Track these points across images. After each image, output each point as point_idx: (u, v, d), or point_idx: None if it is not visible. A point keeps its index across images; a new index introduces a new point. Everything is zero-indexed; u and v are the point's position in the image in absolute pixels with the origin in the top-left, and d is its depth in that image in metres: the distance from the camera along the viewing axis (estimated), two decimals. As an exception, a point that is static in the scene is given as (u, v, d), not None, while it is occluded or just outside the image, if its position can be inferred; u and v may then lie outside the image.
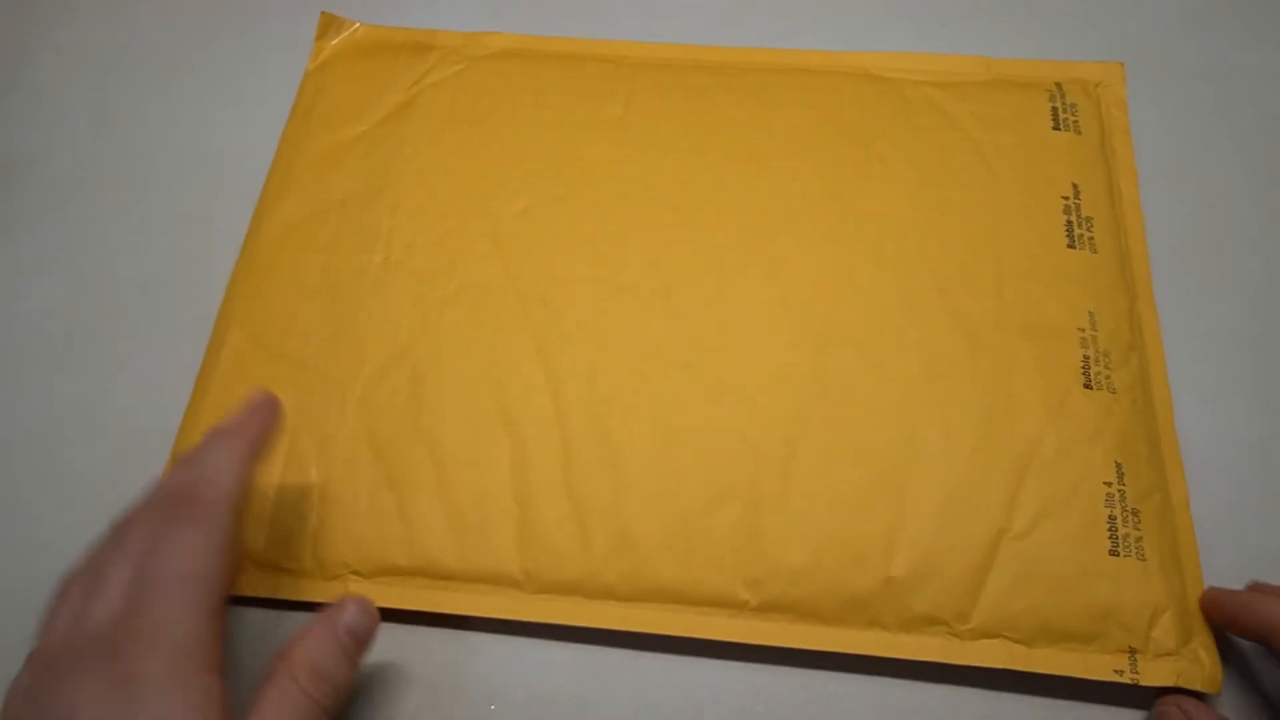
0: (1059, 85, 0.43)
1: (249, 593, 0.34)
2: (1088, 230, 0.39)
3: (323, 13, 0.46)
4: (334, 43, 0.46)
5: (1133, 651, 0.32)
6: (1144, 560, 0.33)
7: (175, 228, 0.43)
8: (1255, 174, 0.43)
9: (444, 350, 0.37)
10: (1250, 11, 0.47)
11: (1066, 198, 0.40)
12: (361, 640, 0.30)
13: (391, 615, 0.34)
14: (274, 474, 0.36)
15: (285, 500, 0.35)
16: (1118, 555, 0.33)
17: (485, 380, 0.37)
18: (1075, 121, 0.42)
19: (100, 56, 0.48)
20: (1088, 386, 0.36)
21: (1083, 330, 0.37)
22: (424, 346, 0.37)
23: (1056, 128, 0.42)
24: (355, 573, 0.34)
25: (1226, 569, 0.34)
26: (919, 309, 0.38)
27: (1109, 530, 0.34)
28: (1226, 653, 0.33)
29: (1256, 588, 0.33)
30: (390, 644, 0.34)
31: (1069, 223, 0.39)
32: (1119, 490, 0.34)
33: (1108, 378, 0.36)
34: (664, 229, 0.40)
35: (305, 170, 0.42)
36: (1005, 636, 0.33)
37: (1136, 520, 0.34)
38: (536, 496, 0.35)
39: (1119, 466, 0.35)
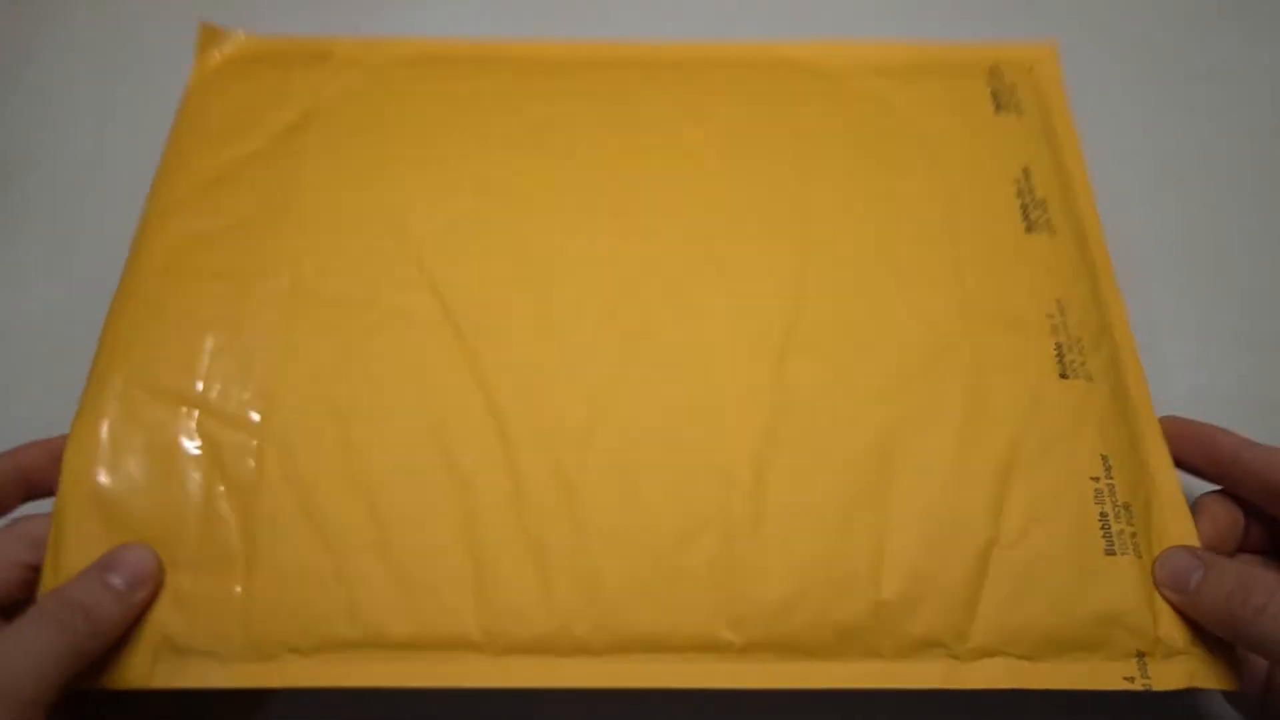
0: (995, 67, 0.42)
1: (174, 684, 0.30)
2: (1043, 213, 0.38)
3: (201, 24, 0.41)
4: (216, 57, 0.41)
5: (1141, 655, 0.31)
6: (1141, 556, 0.32)
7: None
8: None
9: (372, 387, 0.34)
10: None
11: (1018, 181, 0.38)
12: (132, 581, 0.30)
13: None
14: (189, 542, 0.31)
15: (204, 574, 0.31)
16: (1114, 554, 0.32)
17: (422, 419, 0.33)
18: (1017, 103, 0.40)
19: (100, 56, 0.47)
20: (1063, 376, 0.34)
21: (1052, 317, 0.35)
22: (348, 384, 0.34)
23: (999, 110, 0.40)
24: (294, 650, 0.30)
25: (1223, 558, 0.33)
26: (880, 308, 0.35)
27: (1102, 528, 0.32)
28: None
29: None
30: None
31: (1024, 206, 0.38)
32: (1108, 485, 0.33)
33: (1083, 364, 0.35)
34: (602, 239, 0.36)
35: (191, 191, 0.37)
36: (1007, 654, 0.31)
37: (1129, 515, 0.32)
38: (491, 547, 0.31)
39: (1105, 460, 0.33)
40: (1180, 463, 0.34)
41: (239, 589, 0.31)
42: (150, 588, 0.30)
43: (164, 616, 0.30)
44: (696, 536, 0.32)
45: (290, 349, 0.34)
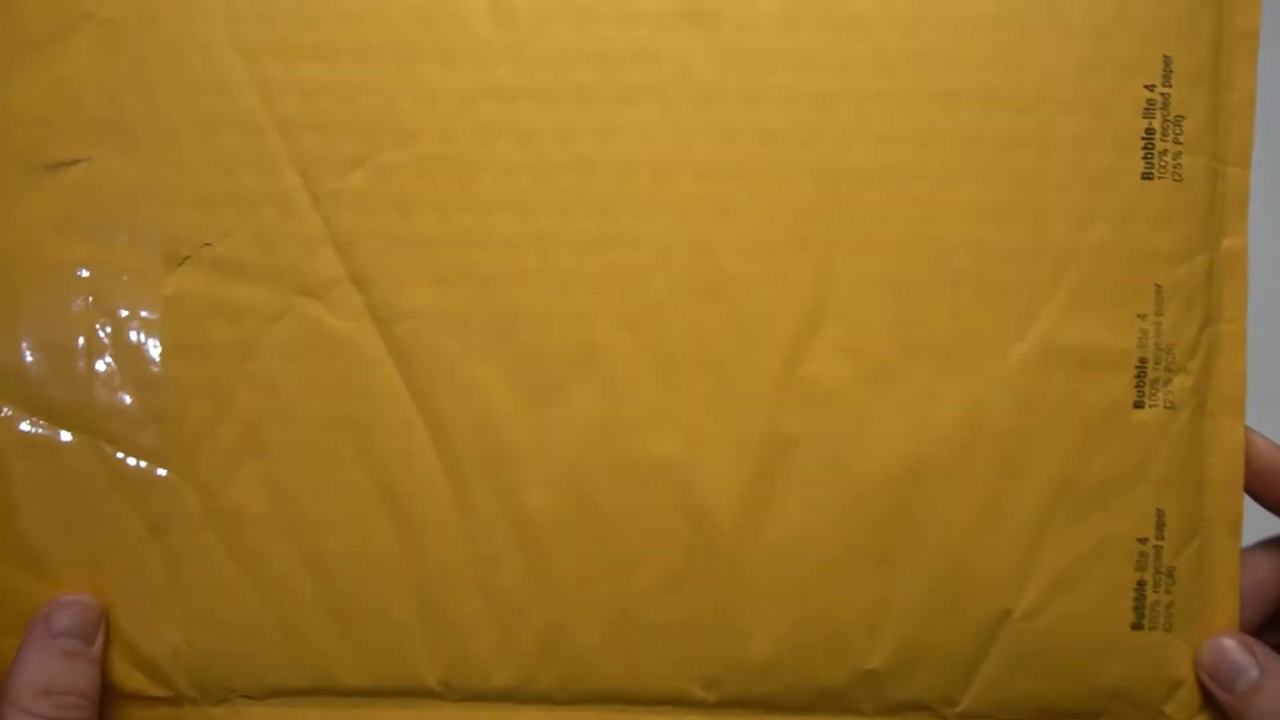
0: None
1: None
2: (1174, 141, 0.27)
3: None
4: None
5: (1136, 730, 0.29)
6: (1171, 630, 0.28)
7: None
8: None
9: (282, 405, 0.28)
10: None
11: (1152, 86, 0.27)
12: (87, 636, 0.28)
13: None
14: (121, 589, 0.28)
15: (143, 620, 0.28)
16: (1141, 628, 0.28)
17: (346, 441, 0.28)
18: None
19: None
20: (1139, 405, 0.28)
21: (1144, 318, 0.27)
22: (250, 399, 0.28)
23: None
24: (244, 696, 0.29)
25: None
26: (939, 277, 0.28)
27: (1135, 599, 0.28)
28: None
29: None
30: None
31: (1149, 133, 0.27)
32: (1155, 547, 0.28)
33: (1167, 384, 0.28)
34: (562, 202, 0.28)
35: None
36: (996, 719, 0.29)
37: (1170, 583, 0.28)
38: (442, 592, 0.28)
39: (1160, 515, 0.28)
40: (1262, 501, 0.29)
41: (177, 637, 0.29)
42: (103, 630, 0.28)
43: (109, 664, 0.29)
44: (672, 587, 0.28)
45: (182, 357, 0.28)
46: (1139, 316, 0.27)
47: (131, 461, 0.28)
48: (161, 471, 0.28)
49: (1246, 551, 0.29)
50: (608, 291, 0.27)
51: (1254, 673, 0.27)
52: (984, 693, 0.28)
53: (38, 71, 0.27)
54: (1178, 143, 0.27)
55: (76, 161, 0.27)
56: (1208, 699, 0.28)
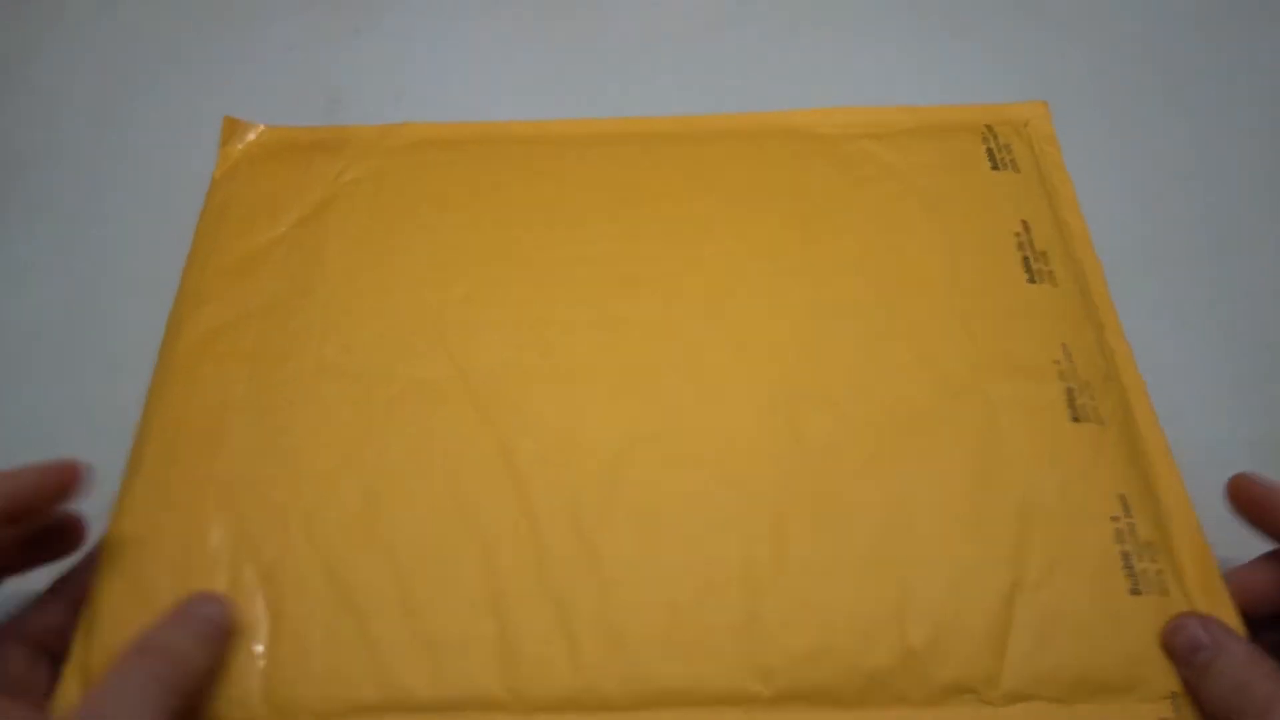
0: (989, 127, 0.43)
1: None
2: (1044, 264, 0.38)
3: (225, 118, 0.43)
4: (240, 147, 0.43)
5: (1175, 696, 0.30)
6: (1167, 595, 0.31)
7: (176, 228, 0.41)
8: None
9: (394, 456, 0.34)
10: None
11: (1018, 234, 0.39)
12: (218, 625, 0.30)
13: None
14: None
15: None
16: (1139, 593, 0.31)
17: (443, 484, 0.34)
18: (1012, 160, 0.42)
19: (100, 56, 0.48)
20: (1075, 420, 0.35)
21: (1059, 363, 0.36)
22: (371, 454, 0.34)
23: (995, 167, 0.41)
24: (316, 715, 0.30)
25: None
26: (890, 361, 0.36)
27: (1125, 568, 0.32)
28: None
29: None
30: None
31: (1025, 259, 0.39)
32: (1128, 524, 0.33)
33: (1094, 408, 0.35)
34: (614, 306, 0.37)
35: (220, 278, 0.38)
36: (1040, 698, 0.30)
37: (1152, 553, 0.32)
38: (514, 606, 0.32)
39: (1123, 499, 0.33)
40: (1251, 523, 0.32)
41: (260, 655, 0.31)
42: (229, 633, 0.31)
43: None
44: (719, 589, 0.32)
45: (316, 425, 0.35)
46: (1055, 362, 0.36)
47: (254, 506, 0.33)
48: (279, 512, 0.33)
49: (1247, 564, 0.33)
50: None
51: (1208, 652, 0.29)
52: (1018, 668, 0.30)
53: None
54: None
55: None
56: None
